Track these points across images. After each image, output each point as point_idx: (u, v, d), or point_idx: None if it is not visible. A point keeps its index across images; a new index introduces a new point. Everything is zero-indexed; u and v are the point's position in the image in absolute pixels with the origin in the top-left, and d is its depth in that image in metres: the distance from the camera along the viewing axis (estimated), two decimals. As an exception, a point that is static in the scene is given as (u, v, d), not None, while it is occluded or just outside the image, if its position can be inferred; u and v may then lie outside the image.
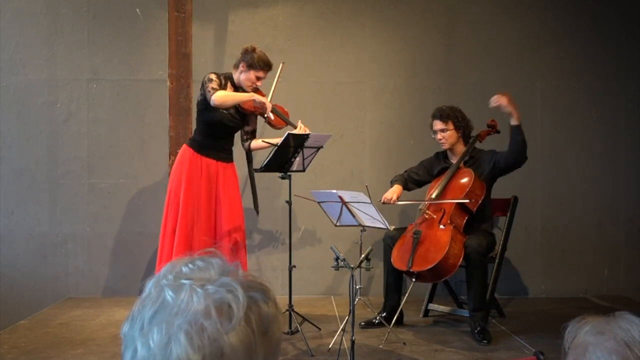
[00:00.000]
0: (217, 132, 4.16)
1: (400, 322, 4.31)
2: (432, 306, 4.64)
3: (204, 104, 4.08)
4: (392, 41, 5.41)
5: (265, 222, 5.33)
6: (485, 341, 3.96)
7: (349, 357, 3.45)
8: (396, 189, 4.42)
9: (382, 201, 4.33)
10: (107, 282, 5.25)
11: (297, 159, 4.09)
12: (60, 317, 4.55)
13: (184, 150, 4.19)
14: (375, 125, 5.41)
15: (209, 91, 4.00)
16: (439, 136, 4.40)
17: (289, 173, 4.10)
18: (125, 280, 5.23)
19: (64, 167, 5.25)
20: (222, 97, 3.99)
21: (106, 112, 5.28)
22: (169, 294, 0.78)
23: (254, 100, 4.03)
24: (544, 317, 4.72)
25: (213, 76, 4.10)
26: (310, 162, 4.21)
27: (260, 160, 4.15)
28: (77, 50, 5.26)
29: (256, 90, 4.18)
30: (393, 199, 4.35)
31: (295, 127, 4.16)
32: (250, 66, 4.12)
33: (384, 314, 4.29)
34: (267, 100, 4.06)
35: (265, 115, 4.07)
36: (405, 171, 4.59)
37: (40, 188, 5.23)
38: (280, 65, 4.25)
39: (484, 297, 4.16)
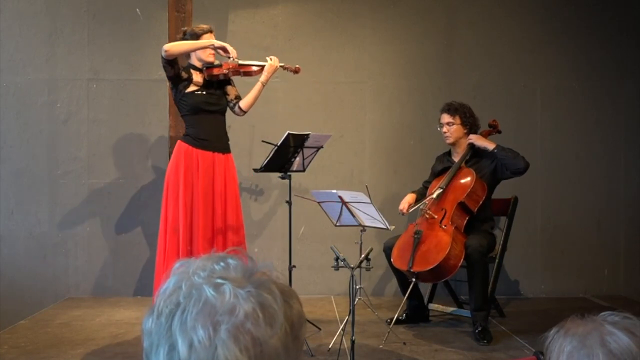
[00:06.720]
0: (203, 121, 4.09)
1: (426, 319, 4.49)
2: (432, 306, 4.64)
3: (175, 93, 4.07)
4: (392, 41, 5.41)
5: (265, 222, 5.33)
6: (486, 341, 3.96)
7: (349, 357, 3.46)
8: (408, 197, 4.45)
9: (400, 212, 4.38)
10: (107, 282, 5.25)
11: (297, 159, 4.09)
12: (60, 317, 4.55)
13: (179, 146, 4.14)
14: (375, 125, 5.41)
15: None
16: (444, 129, 4.40)
17: (289, 173, 4.10)
18: (125, 280, 5.23)
19: (64, 167, 5.25)
20: (172, 44, 4.00)
21: (106, 112, 5.28)
22: (209, 293, 0.77)
23: (213, 45, 4.01)
24: (544, 317, 4.72)
25: None
26: (310, 162, 4.21)
27: (260, 160, 4.14)
28: (77, 50, 5.26)
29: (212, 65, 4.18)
30: (405, 208, 4.35)
31: (262, 66, 4.16)
32: (197, 39, 4.14)
33: (407, 312, 4.43)
34: (226, 44, 4.02)
35: (230, 59, 4.00)
36: (423, 184, 4.62)
37: (40, 188, 5.23)
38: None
39: (486, 297, 4.15)
